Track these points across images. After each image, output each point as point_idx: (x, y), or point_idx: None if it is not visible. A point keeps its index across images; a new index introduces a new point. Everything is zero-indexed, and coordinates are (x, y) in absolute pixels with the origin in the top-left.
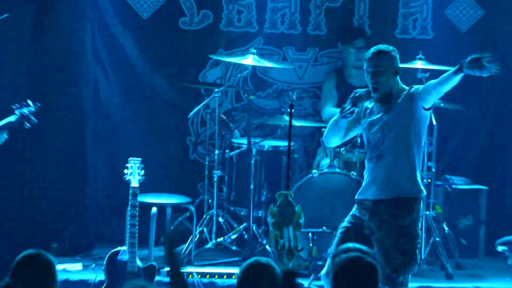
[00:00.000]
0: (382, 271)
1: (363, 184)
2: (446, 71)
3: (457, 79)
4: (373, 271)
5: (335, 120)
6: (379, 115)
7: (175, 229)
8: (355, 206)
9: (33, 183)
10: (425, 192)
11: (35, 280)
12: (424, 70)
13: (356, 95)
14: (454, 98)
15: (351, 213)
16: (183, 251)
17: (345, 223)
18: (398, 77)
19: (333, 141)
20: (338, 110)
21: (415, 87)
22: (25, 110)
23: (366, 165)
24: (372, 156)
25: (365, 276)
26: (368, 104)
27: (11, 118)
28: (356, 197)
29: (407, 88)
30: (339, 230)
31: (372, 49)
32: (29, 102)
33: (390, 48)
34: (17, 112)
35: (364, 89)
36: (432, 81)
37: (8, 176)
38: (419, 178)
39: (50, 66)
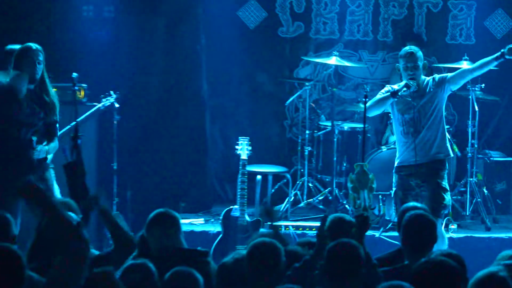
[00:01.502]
0: (429, 207)
1: (402, 152)
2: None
3: (494, 64)
4: (433, 224)
5: (384, 97)
6: (414, 99)
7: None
8: (396, 174)
9: (166, 156)
10: (452, 154)
11: (164, 231)
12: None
13: (408, 83)
14: (491, 91)
15: (395, 182)
16: (281, 209)
17: (396, 191)
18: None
19: (374, 112)
20: None
21: (440, 75)
22: (109, 99)
23: (402, 137)
24: (409, 131)
25: (428, 228)
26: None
27: (99, 105)
28: (396, 165)
29: (427, 78)
30: (395, 194)
31: (408, 48)
32: (111, 92)
33: (417, 48)
34: (103, 100)
35: (410, 81)
36: (466, 68)
37: (147, 151)
38: (448, 143)
39: (179, 66)
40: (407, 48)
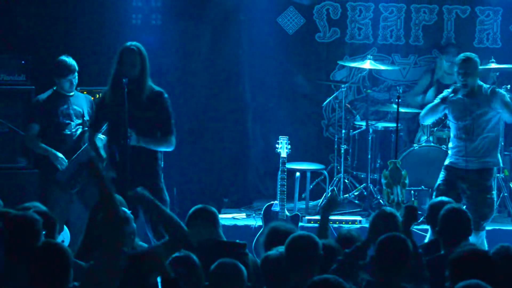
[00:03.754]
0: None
1: (454, 154)
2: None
3: None
4: (468, 217)
5: (435, 105)
6: (470, 106)
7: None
8: (445, 170)
9: (210, 155)
10: (502, 164)
11: (203, 225)
12: (495, 70)
13: (456, 87)
14: None
15: (442, 177)
16: (319, 204)
17: (441, 185)
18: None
19: (429, 120)
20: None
21: (499, 90)
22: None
23: (456, 141)
24: (462, 137)
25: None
26: (455, 97)
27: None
28: (447, 163)
29: (486, 86)
30: (437, 188)
31: (462, 56)
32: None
33: (474, 55)
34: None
35: (459, 85)
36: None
37: (192, 150)
38: (498, 154)
39: (222, 69)
40: (461, 55)
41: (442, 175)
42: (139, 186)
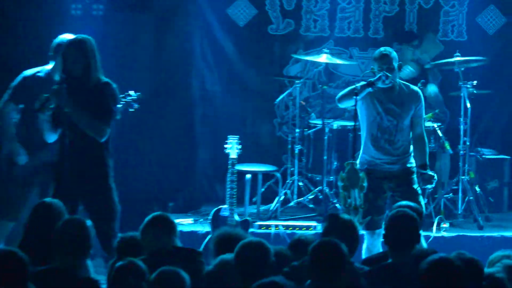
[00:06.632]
0: None
1: (370, 157)
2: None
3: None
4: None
5: (362, 86)
6: (392, 105)
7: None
8: (366, 175)
9: (155, 156)
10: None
11: (160, 234)
12: (460, 66)
13: (387, 73)
14: (483, 88)
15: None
16: (271, 208)
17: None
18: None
19: (346, 104)
20: None
21: (421, 97)
22: (128, 99)
23: (372, 141)
24: (384, 138)
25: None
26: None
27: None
28: (363, 167)
29: (403, 82)
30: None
31: (383, 50)
32: (131, 92)
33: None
34: (122, 100)
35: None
36: (419, 130)
37: (134, 150)
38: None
39: (168, 63)
40: (382, 49)
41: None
42: (85, 185)
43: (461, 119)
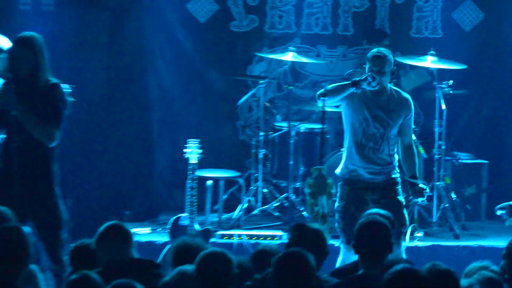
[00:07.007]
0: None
1: (353, 165)
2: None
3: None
4: (388, 231)
5: (342, 85)
6: (380, 112)
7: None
8: (347, 185)
9: (110, 161)
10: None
11: (116, 244)
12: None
13: (374, 75)
14: (461, 85)
15: (345, 192)
16: (233, 217)
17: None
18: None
19: (328, 101)
20: None
21: (411, 106)
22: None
23: (356, 148)
24: (368, 146)
25: (380, 235)
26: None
27: None
28: (345, 176)
29: (399, 91)
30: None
31: (376, 51)
32: (65, 85)
33: (388, 52)
34: None
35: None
36: (408, 140)
37: (88, 154)
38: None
39: (123, 62)
40: (375, 50)
41: (343, 192)
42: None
43: (436, 121)
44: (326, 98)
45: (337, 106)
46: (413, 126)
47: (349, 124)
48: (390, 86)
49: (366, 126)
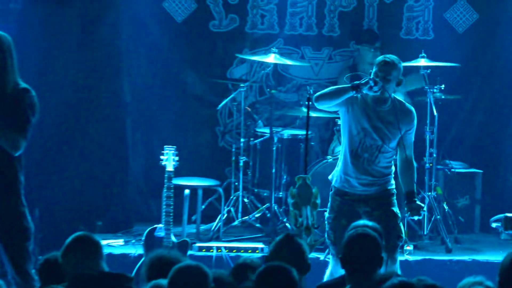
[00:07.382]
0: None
1: (346, 174)
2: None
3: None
4: (376, 243)
5: (342, 88)
6: (380, 124)
7: None
8: (338, 195)
9: (81, 168)
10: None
11: (84, 257)
12: (426, 67)
13: (376, 79)
14: (454, 90)
15: (336, 203)
16: (212, 228)
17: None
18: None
19: (324, 105)
20: None
21: (414, 119)
22: None
23: (351, 158)
24: (363, 156)
25: (368, 248)
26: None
27: None
28: (338, 186)
29: (403, 102)
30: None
31: (384, 57)
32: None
33: (398, 60)
34: None
35: (377, 79)
36: (408, 154)
37: (57, 161)
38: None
39: (95, 64)
40: (384, 56)
41: (335, 203)
42: None
43: (427, 128)
44: (323, 101)
45: (335, 112)
46: (412, 140)
47: (346, 131)
48: (394, 96)
49: (364, 136)
